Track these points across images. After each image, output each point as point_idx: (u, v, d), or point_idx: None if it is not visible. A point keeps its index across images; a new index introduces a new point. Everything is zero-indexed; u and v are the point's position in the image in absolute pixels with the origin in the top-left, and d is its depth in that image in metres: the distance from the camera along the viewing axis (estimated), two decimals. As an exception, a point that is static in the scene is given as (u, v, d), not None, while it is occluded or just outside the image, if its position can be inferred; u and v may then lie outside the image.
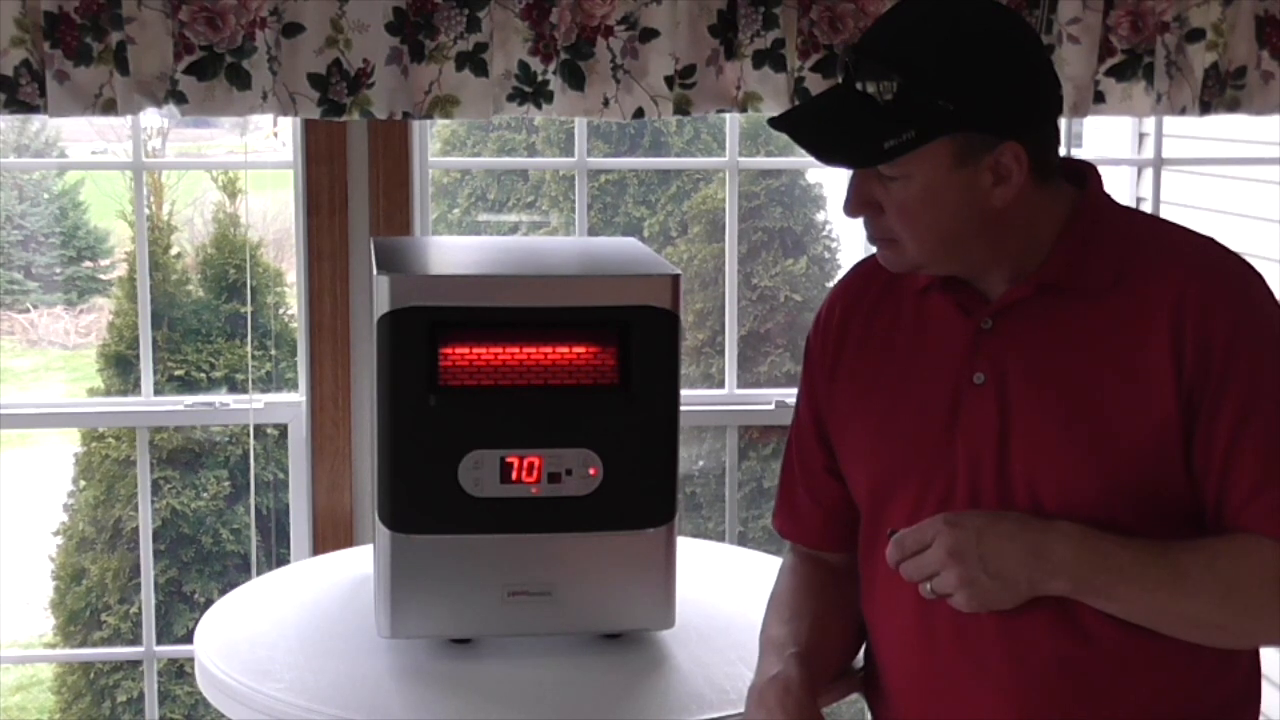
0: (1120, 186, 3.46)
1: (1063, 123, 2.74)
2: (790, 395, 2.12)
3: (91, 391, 6.31)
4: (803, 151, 1.60)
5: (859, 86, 1.51)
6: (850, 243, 8.26)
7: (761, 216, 7.40)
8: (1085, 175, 1.62)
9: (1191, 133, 3.24)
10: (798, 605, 1.72)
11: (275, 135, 3.65)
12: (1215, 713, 1.59)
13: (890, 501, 1.63)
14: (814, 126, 1.58)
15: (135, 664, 5.63)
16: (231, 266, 6.24)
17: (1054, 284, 1.56)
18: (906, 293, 1.67)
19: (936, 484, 1.59)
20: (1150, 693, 1.54)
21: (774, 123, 1.61)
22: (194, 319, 6.28)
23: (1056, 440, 1.53)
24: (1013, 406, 1.55)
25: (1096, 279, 1.55)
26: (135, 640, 5.40)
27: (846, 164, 1.56)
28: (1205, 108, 2.46)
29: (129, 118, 2.40)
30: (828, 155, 1.58)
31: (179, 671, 5.59)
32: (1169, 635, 1.51)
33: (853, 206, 1.57)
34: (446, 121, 3.51)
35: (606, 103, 2.38)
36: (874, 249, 1.65)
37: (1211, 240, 1.61)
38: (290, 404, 2.69)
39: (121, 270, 7.08)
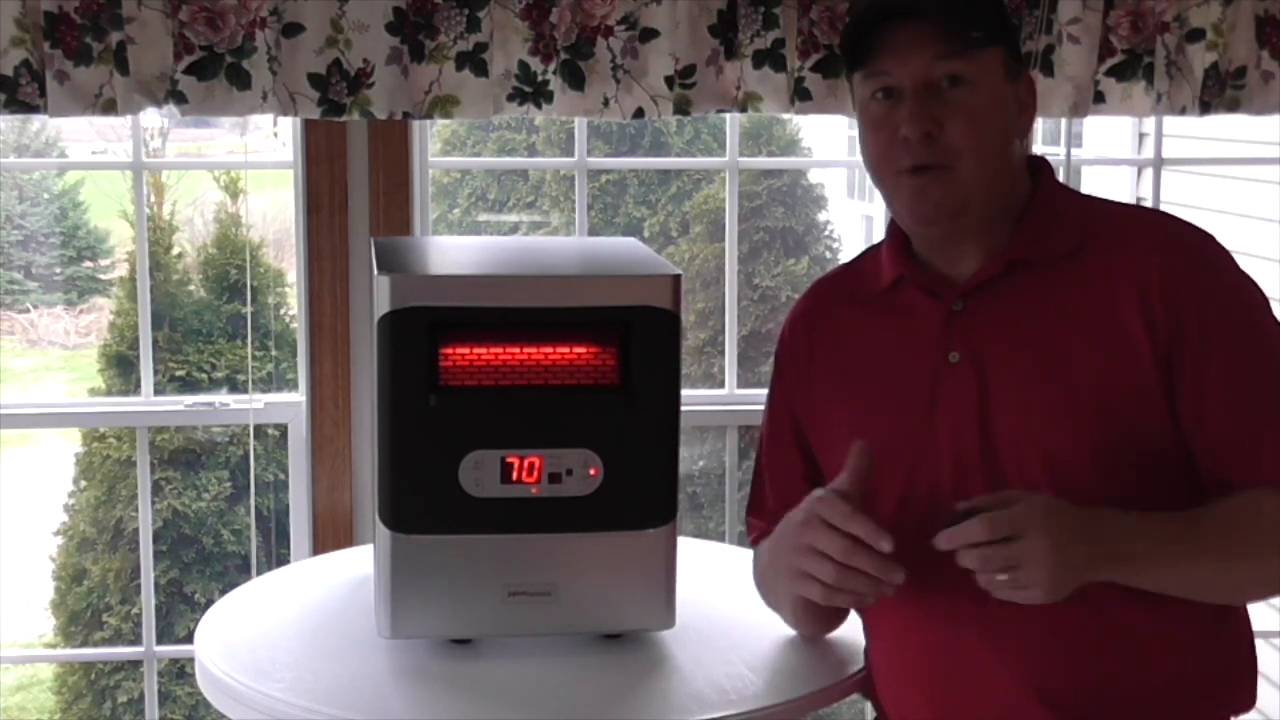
0: (1120, 186, 3.46)
1: (1063, 123, 2.75)
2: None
3: (92, 391, 6.32)
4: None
5: None
6: (851, 243, 8.27)
7: (763, 216, 7.41)
8: (1040, 167, 1.69)
9: (1191, 133, 3.23)
10: None
11: (275, 135, 3.65)
12: (1217, 678, 1.61)
13: (879, 492, 1.64)
14: (901, 12, 1.60)
15: (136, 664, 5.64)
16: (232, 267, 6.25)
17: (1021, 259, 1.61)
18: (872, 294, 1.72)
19: (921, 467, 1.62)
20: (1159, 655, 1.57)
21: (861, 14, 1.63)
22: (195, 319, 6.29)
23: (1037, 406, 1.57)
24: (991, 379, 1.58)
25: (1060, 247, 1.61)
26: (136, 640, 5.40)
27: (957, 25, 1.57)
28: (1205, 108, 2.46)
29: (129, 118, 2.40)
30: (942, 12, 1.58)
31: (179, 672, 5.60)
32: (1198, 600, 1.54)
33: (919, 121, 1.57)
34: (446, 121, 3.51)
35: (606, 103, 2.38)
36: (869, 246, 1.67)
37: (1165, 213, 1.73)
38: (290, 404, 2.69)
39: (122, 270, 7.09)
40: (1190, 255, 1.59)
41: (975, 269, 1.63)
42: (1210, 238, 1.62)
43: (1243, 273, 1.61)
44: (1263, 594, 1.60)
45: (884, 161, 1.62)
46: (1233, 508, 1.53)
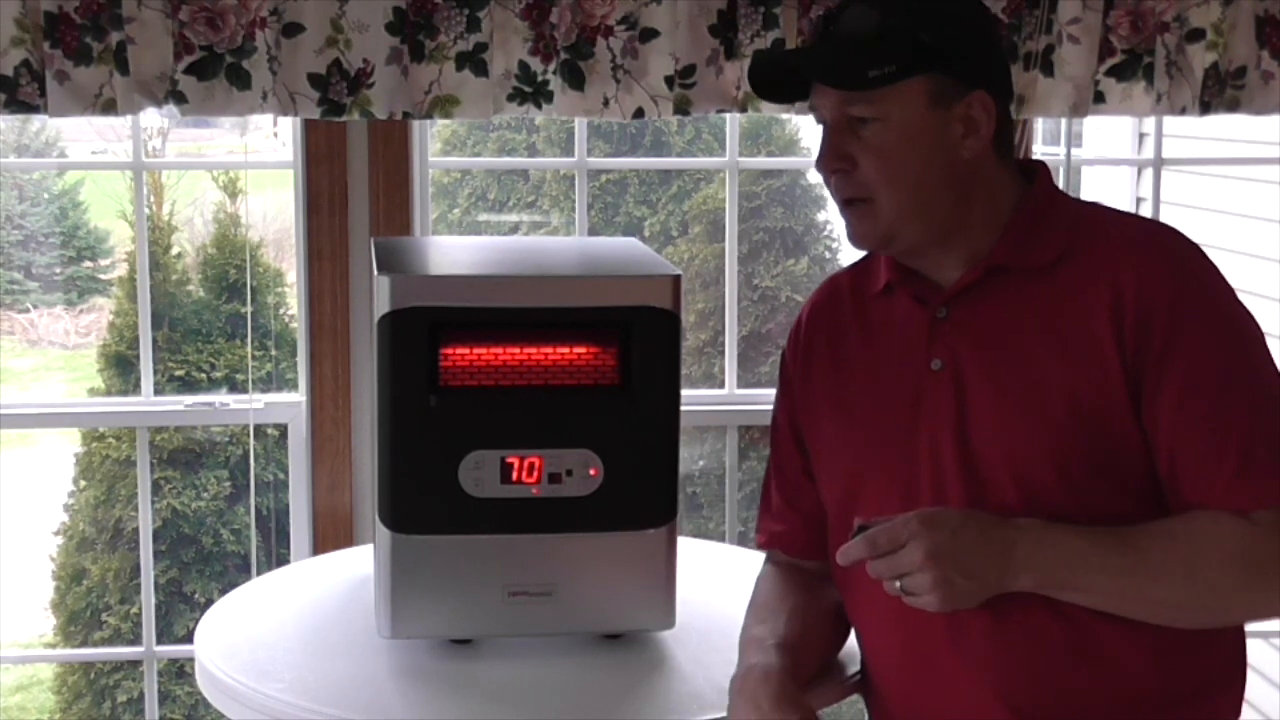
0: (1120, 186, 3.46)
1: (1063, 123, 2.76)
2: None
3: (92, 391, 6.31)
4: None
5: (843, 27, 1.57)
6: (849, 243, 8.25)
7: (763, 216, 7.40)
8: (1036, 171, 1.68)
9: (1191, 133, 3.24)
10: (775, 604, 1.74)
11: (275, 135, 3.65)
12: (1197, 690, 1.60)
13: (860, 495, 1.66)
14: (798, 58, 1.66)
15: (135, 664, 5.63)
16: (232, 266, 6.24)
17: (1003, 266, 1.61)
18: (869, 297, 1.72)
19: (902, 472, 1.62)
20: (1131, 666, 1.56)
21: (757, 65, 1.66)
22: (194, 319, 6.28)
23: (1008, 414, 1.57)
24: (968, 387, 1.59)
25: (1042, 257, 1.60)
26: (135, 640, 5.40)
27: (832, 81, 1.59)
28: (1205, 108, 2.46)
29: (129, 118, 2.40)
30: (815, 73, 1.60)
31: (179, 671, 5.59)
32: (1139, 620, 1.52)
33: (828, 160, 1.60)
34: (446, 121, 3.50)
35: (606, 103, 2.38)
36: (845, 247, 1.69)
37: (1158, 223, 1.69)
38: (290, 404, 2.69)
39: (121, 270, 7.07)
40: (1168, 266, 1.56)
41: (959, 275, 1.63)
42: (1196, 250, 1.59)
43: (1226, 288, 1.58)
44: (1206, 621, 1.56)
45: (828, 187, 1.66)
46: (1178, 529, 1.51)
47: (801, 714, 1.54)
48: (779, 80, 1.67)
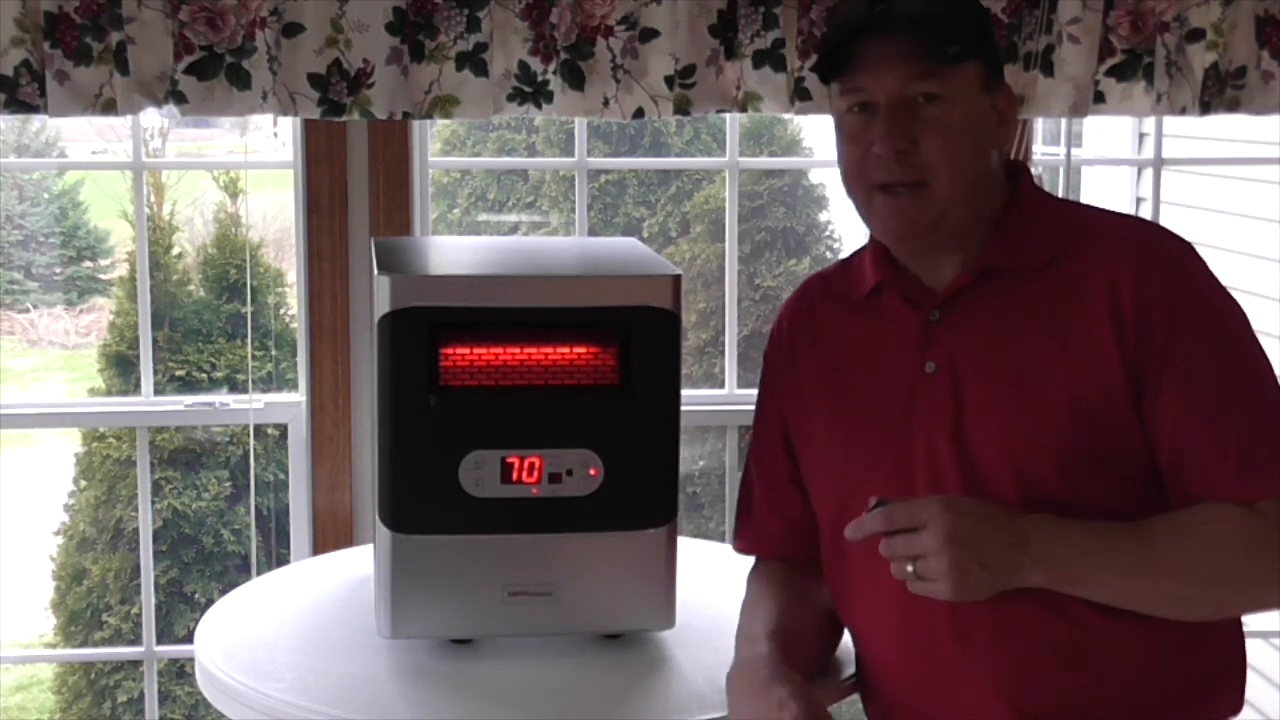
0: (1120, 186, 3.46)
1: (1062, 123, 2.75)
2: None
3: (92, 391, 6.31)
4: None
5: (902, 6, 1.56)
6: (852, 243, 8.26)
7: (764, 216, 7.40)
8: (1019, 172, 1.68)
9: (1191, 133, 3.24)
10: (767, 601, 1.74)
11: (275, 135, 3.65)
12: (1197, 688, 1.60)
13: (855, 496, 1.64)
14: (886, 23, 1.58)
15: (136, 664, 5.63)
16: (232, 266, 6.23)
17: (995, 268, 1.61)
18: (854, 300, 1.72)
19: (898, 474, 1.62)
20: (1133, 665, 1.56)
21: (835, 31, 1.61)
22: (195, 319, 6.28)
23: (1008, 414, 1.57)
24: (965, 389, 1.59)
25: (1035, 258, 1.60)
26: (136, 640, 5.40)
27: (927, 48, 1.55)
28: (1205, 108, 2.46)
29: (129, 118, 2.40)
30: (915, 30, 1.55)
31: (179, 671, 5.59)
32: (1147, 614, 1.52)
33: (893, 139, 1.56)
34: (446, 121, 3.50)
35: (606, 103, 2.38)
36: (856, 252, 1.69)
37: (1149, 222, 1.72)
38: (290, 404, 2.69)
39: (122, 270, 7.07)
40: (1164, 263, 1.57)
41: (952, 278, 1.62)
42: (1189, 248, 1.60)
43: (1219, 285, 1.59)
44: (1214, 612, 1.57)
45: (858, 175, 1.62)
46: (1185, 522, 1.51)
47: (791, 688, 1.53)
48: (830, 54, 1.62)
